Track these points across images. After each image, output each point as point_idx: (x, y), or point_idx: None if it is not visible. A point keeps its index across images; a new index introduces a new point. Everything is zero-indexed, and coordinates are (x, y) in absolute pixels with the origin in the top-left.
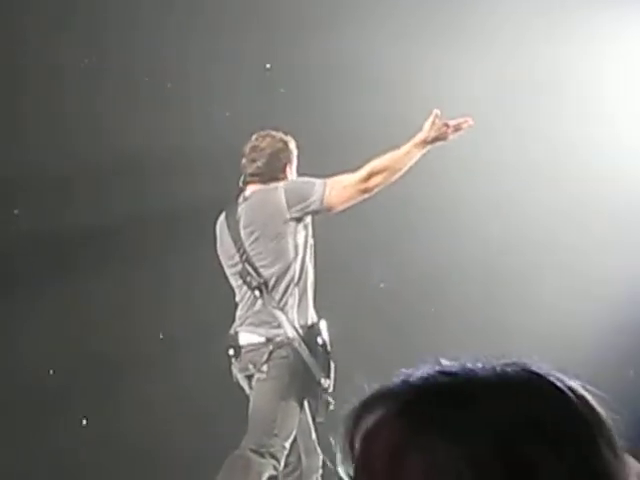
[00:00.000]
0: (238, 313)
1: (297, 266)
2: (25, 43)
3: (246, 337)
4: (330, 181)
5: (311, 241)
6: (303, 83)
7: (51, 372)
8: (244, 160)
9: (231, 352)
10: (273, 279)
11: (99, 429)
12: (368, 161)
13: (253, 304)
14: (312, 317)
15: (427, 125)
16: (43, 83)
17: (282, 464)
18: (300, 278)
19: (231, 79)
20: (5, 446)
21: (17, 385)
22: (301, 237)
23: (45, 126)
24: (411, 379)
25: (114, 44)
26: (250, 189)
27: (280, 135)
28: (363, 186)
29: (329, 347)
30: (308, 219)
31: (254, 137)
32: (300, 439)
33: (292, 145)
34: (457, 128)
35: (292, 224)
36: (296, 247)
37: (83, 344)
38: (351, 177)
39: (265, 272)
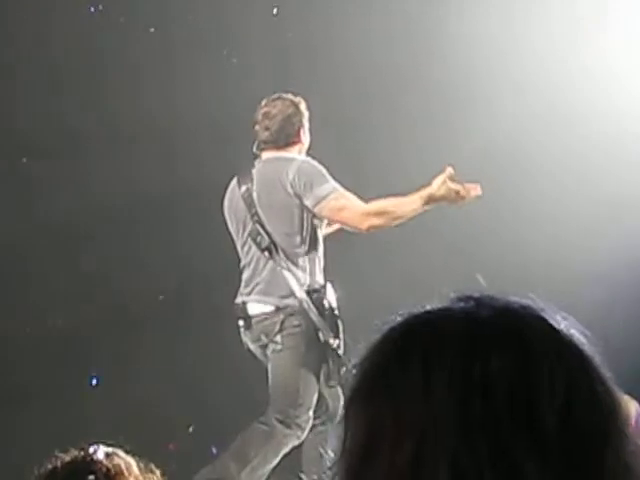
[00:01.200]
0: (245, 278)
1: (306, 232)
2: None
3: (255, 307)
4: (337, 194)
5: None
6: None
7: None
8: (257, 127)
9: (241, 323)
10: (283, 241)
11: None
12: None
13: (262, 267)
14: (320, 281)
15: (438, 182)
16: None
17: (306, 433)
18: (310, 244)
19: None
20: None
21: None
22: (310, 203)
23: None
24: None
25: None
26: (265, 155)
27: (290, 98)
28: (362, 221)
29: (336, 309)
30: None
31: (264, 102)
32: (324, 389)
33: (303, 107)
34: (464, 196)
35: (299, 192)
36: (302, 214)
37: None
38: (357, 206)
39: (275, 234)
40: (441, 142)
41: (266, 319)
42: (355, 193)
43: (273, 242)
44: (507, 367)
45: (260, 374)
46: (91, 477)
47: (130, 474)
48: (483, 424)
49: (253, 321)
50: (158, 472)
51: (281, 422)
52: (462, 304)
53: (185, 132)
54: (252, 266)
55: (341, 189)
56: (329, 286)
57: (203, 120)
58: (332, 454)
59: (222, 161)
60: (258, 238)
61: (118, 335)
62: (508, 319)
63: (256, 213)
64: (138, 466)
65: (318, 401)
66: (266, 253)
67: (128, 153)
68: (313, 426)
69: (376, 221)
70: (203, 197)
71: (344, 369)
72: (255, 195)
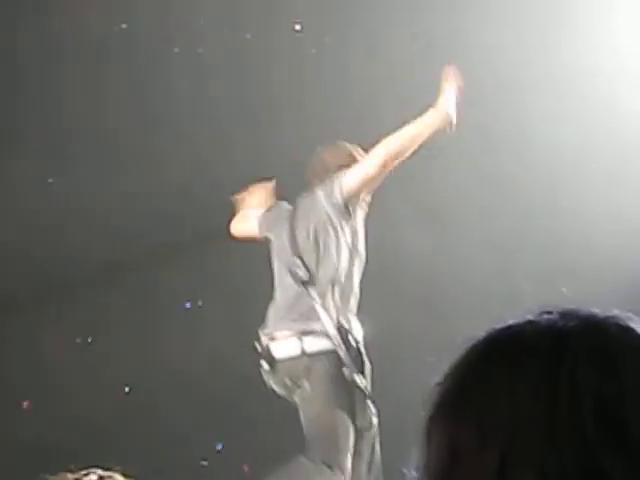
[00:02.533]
0: (272, 313)
1: (342, 268)
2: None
3: (280, 350)
4: (347, 174)
5: (362, 250)
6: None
7: None
8: (309, 171)
9: (265, 366)
10: (320, 274)
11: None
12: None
13: (293, 302)
14: (349, 317)
15: (447, 85)
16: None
17: (347, 471)
18: (345, 281)
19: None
20: None
21: None
22: (347, 240)
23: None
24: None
25: (145, 12)
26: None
27: (347, 147)
28: (380, 173)
29: (362, 346)
30: (357, 224)
31: (321, 149)
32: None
33: (357, 157)
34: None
35: (336, 226)
36: (339, 251)
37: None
38: (366, 169)
39: (312, 267)
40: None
41: (292, 363)
42: None
43: (311, 275)
44: (592, 377)
45: None
46: None
47: None
48: (569, 433)
49: (278, 365)
50: None
51: (324, 463)
52: (546, 316)
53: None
54: (283, 301)
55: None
56: (355, 321)
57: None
58: (414, 473)
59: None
60: (295, 270)
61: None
62: (593, 329)
63: (297, 245)
64: None
65: None
66: (302, 286)
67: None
68: None
69: (395, 161)
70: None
71: (371, 408)
72: (297, 229)
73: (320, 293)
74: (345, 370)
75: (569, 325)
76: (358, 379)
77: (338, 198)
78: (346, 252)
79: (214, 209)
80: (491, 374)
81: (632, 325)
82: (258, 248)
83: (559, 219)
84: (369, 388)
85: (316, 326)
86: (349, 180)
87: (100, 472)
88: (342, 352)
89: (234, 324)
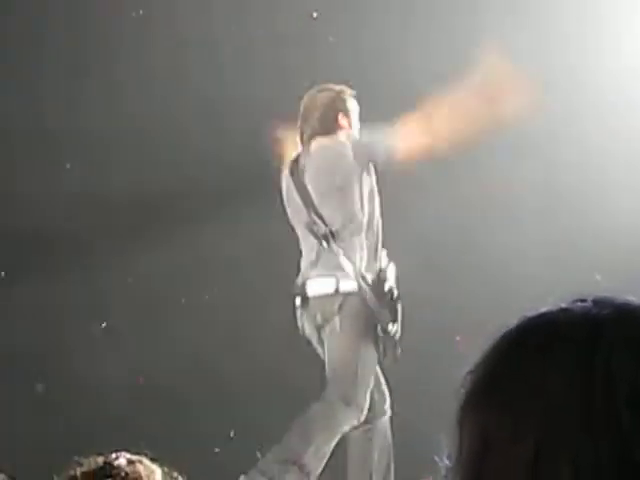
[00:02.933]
0: (304, 263)
1: (364, 216)
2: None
3: (314, 287)
4: (394, 134)
5: (376, 192)
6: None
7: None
8: (299, 120)
9: (298, 302)
10: (340, 228)
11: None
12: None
13: (320, 254)
14: (380, 265)
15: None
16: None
17: (365, 412)
18: (368, 227)
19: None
20: None
21: None
22: (366, 187)
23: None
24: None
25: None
26: (314, 144)
27: (329, 87)
28: (426, 128)
29: (396, 293)
30: (372, 170)
31: (306, 95)
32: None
33: (345, 94)
34: None
35: (356, 175)
36: (362, 197)
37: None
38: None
39: (332, 221)
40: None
41: (324, 300)
42: None
43: (331, 231)
44: (628, 365)
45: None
46: None
47: (148, 477)
48: (605, 422)
49: (311, 301)
50: None
51: (341, 401)
52: (579, 304)
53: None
54: (313, 250)
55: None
56: (390, 268)
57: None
58: (447, 461)
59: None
60: (315, 227)
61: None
62: (628, 317)
63: (312, 203)
64: (163, 474)
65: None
66: (324, 242)
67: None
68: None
69: (442, 122)
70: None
71: (398, 353)
72: (310, 186)
73: (342, 245)
74: (375, 316)
75: (603, 313)
76: (390, 327)
77: (382, 155)
78: (367, 200)
79: (236, 172)
80: (523, 362)
81: None
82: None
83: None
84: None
85: (345, 282)
86: (397, 141)
87: (129, 456)
88: (372, 303)
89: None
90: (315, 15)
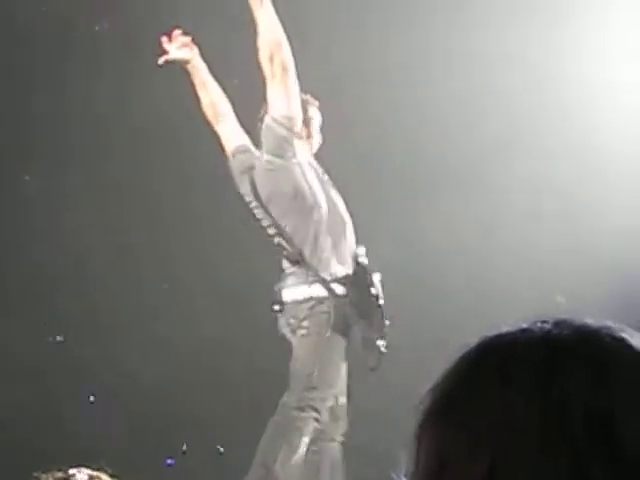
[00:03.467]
0: (284, 270)
1: (322, 210)
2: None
3: (289, 293)
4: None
5: (326, 178)
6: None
7: None
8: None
9: (276, 307)
10: (307, 242)
11: None
12: None
13: (295, 268)
14: (356, 258)
15: None
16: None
17: (324, 415)
18: (329, 219)
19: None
20: None
21: None
22: (312, 178)
23: None
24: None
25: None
26: (264, 160)
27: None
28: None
29: (381, 301)
30: (302, 157)
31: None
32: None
33: (308, 103)
34: None
35: (292, 162)
36: (311, 189)
37: None
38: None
39: (297, 237)
40: None
41: (297, 305)
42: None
43: (299, 252)
44: (584, 383)
45: None
46: None
47: None
48: (560, 443)
49: (286, 307)
50: None
51: (295, 408)
52: (539, 325)
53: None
54: (285, 264)
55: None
56: (376, 276)
57: None
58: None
59: None
60: (285, 252)
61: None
62: (585, 336)
63: (277, 225)
64: None
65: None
66: (296, 265)
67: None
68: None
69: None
70: None
71: (382, 349)
72: (267, 205)
73: (314, 260)
74: (349, 317)
75: (563, 334)
76: (363, 328)
77: (285, 133)
78: (319, 191)
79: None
80: (482, 383)
81: (625, 336)
82: None
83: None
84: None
85: (316, 281)
86: (277, 109)
87: (88, 471)
88: (352, 310)
89: None
90: None
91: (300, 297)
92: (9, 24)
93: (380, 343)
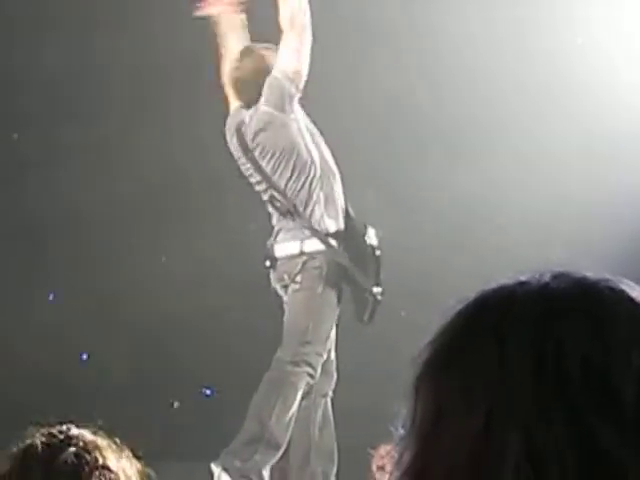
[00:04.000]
0: (275, 226)
1: (316, 166)
2: None
3: (281, 249)
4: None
5: (317, 133)
6: None
7: None
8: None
9: (267, 263)
10: (300, 196)
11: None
12: None
13: (287, 222)
14: (346, 214)
15: None
16: None
17: (318, 372)
18: (322, 175)
19: None
20: None
21: None
22: (307, 134)
23: None
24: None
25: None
26: (258, 112)
27: (261, 51)
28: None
29: (377, 251)
30: (299, 114)
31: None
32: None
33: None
34: None
35: (290, 118)
36: (306, 146)
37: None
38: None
39: (290, 191)
40: None
41: (290, 260)
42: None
43: (293, 205)
44: (581, 335)
45: None
46: (72, 449)
47: (104, 448)
48: (557, 391)
49: (278, 262)
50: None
51: (289, 362)
52: (537, 277)
53: None
54: (278, 219)
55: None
56: (370, 230)
57: None
58: (401, 430)
59: None
60: (277, 204)
61: None
62: (584, 289)
63: (268, 178)
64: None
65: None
66: (288, 216)
67: None
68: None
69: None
70: None
71: (371, 310)
72: (257, 155)
73: (306, 212)
74: (342, 270)
75: (560, 287)
76: (362, 280)
77: (290, 88)
78: (310, 142)
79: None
80: (479, 341)
81: (624, 288)
82: None
83: None
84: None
85: (310, 243)
86: (287, 62)
87: (85, 432)
88: (345, 262)
89: None
90: None
91: (292, 252)
92: None
93: (376, 290)
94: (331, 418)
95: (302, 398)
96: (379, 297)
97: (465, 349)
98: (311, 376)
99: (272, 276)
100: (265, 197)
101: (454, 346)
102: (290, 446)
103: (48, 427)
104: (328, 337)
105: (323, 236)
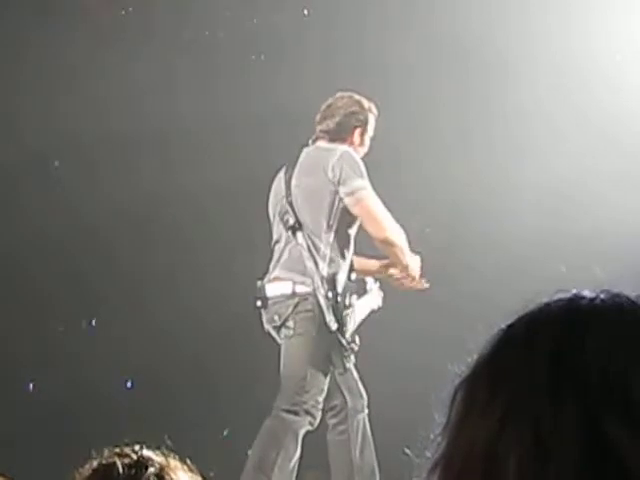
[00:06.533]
0: (272, 264)
1: (334, 220)
2: None
3: (273, 289)
4: (370, 192)
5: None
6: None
7: None
8: (318, 116)
9: (258, 303)
10: (310, 222)
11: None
12: None
13: (284, 247)
14: (340, 271)
15: (415, 263)
16: None
17: (318, 420)
18: (336, 234)
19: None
20: None
21: None
22: (338, 204)
23: None
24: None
25: None
26: (316, 144)
27: (359, 98)
28: (381, 233)
29: (344, 299)
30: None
31: (335, 96)
32: (342, 381)
33: (369, 111)
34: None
35: (333, 187)
36: (333, 204)
37: None
38: (386, 219)
39: (303, 214)
40: None
41: (281, 301)
42: None
43: (299, 221)
44: (604, 339)
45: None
46: (152, 469)
47: (178, 469)
48: (571, 389)
49: (269, 302)
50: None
51: (288, 411)
52: (569, 294)
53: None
54: (277, 247)
55: (371, 189)
56: (341, 274)
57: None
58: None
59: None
60: (286, 217)
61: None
62: (615, 302)
63: (290, 194)
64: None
65: (334, 394)
66: (290, 232)
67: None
68: (333, 426)
69: (391, 244)
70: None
71: (350, 358)
72: (294, 178)
73: (308, 240)
74: (325, 315)
75: (587, 300)
76: (333, 325)
77: (347, 192)
78: (340, 205)
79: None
80: (511, 346)
81: None
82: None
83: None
84: (348, 336)
85: (301, 276)
86: (365, 202)
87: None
88: (321, 297)
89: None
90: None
91: (284, 292)
92: None
93: (346, 352)
94: (370, 437)
95: (338, 423)
96: (350, 345)
97: (495, 356)
98: (311, 424)
99: (263, 317)
100: (275, 211)
101: (487, 355)
102: (331, 470)
103: (119, 448)
104: (325, 385)
105: (316, 271)
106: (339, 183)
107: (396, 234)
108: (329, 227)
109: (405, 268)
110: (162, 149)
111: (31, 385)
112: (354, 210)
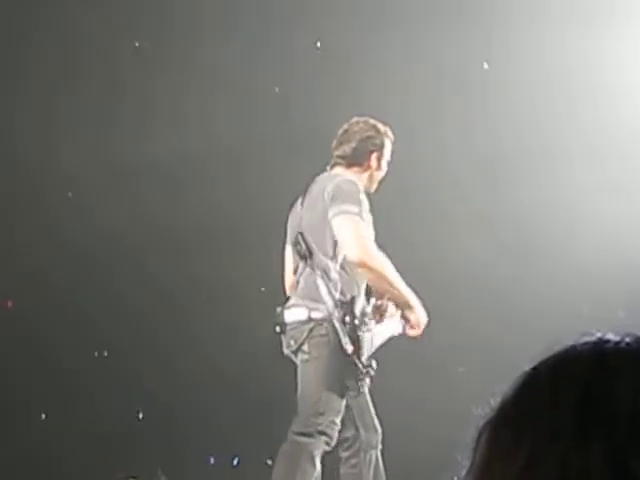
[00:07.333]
0: (287, 290)
1: (336, 256)
2: None
3: (290, 315)
4: (359, 219)
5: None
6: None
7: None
8: (334, 142)
9: (277, 329)
10: (319, 251)
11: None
12: None
13: (300, 275)
14: (353, 294)
15: (419, 309)
16: None
17: (334, 439)
18: (341, 259)
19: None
20: None
21: None
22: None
23: None
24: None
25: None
26: (333, 171)
27: (375, 122)
28: (361, 257)
29: (361, 323)
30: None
31: (351, 121)
32: (357, 414)
33: (384, 135)
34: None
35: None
36: (332, 232)
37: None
38: (368, 244)
39: (312, 242)
40: None
41: (297, 327)
42: None
43: (309, 250)
44: (630, 388)
45: None
46: None
47: None
48: (598, 433)
49: (287, 328)
50: None
51: (302, 434)
52: (597, 335)
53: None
54: (295, 276)
55: (362, 220)
56: (359, 298)
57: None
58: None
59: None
60: (298, 246)
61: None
62: (635, 346)
63: (300, 223)
64: None
65: (348, 427)
66: (303, 261)
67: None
68: (345, 459)
69: (370, 270)
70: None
71: (365, 381)
72: (304, 206)
73: (320, 267)
74: (341, 338)
75: (614, 342)
76: (348, 348)
77: (328, 219)
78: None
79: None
80: (535, 388)
81: None
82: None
83: None
84: (364, 359)
85: (316, 301)
86: (345, 225)
87: None
88: (337, 322)
89: None
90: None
91: (300, 318)
92: None
93: (361, 375)
94: (382, 473)
95: (351, 456)
96: (367, 369)
97: (520, 399)
98: (327, 444)
99: (282, 342)
100: (290, 240)
101: (511, 397)
102: None
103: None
104: (341, 407)
105: (329, 295)
106: (329, 207)
107: (378, 260)
108: (335, 254)
109: (407, 305)
110: (173, 180)
111: (44, 415)
112: (334, 232)
